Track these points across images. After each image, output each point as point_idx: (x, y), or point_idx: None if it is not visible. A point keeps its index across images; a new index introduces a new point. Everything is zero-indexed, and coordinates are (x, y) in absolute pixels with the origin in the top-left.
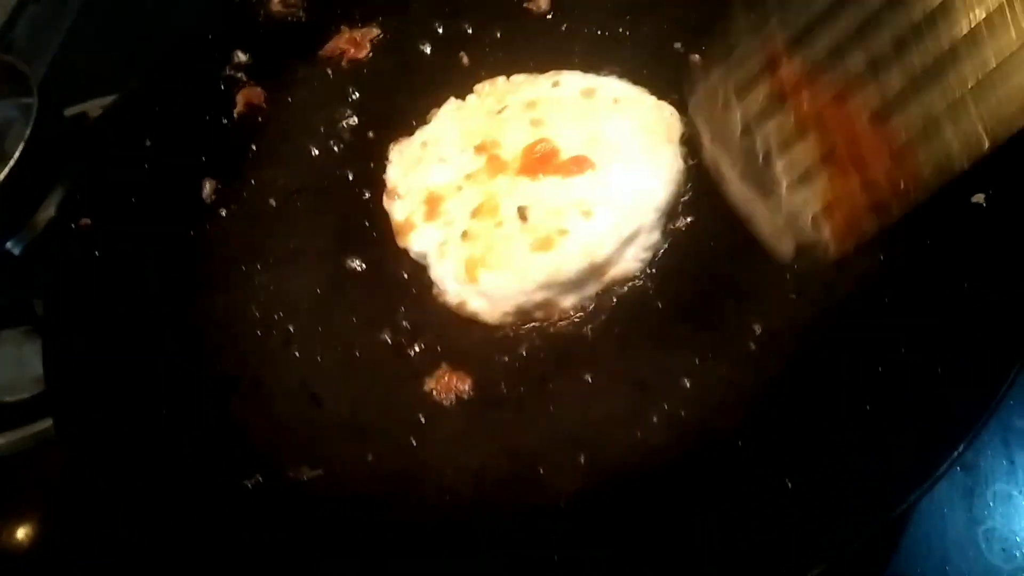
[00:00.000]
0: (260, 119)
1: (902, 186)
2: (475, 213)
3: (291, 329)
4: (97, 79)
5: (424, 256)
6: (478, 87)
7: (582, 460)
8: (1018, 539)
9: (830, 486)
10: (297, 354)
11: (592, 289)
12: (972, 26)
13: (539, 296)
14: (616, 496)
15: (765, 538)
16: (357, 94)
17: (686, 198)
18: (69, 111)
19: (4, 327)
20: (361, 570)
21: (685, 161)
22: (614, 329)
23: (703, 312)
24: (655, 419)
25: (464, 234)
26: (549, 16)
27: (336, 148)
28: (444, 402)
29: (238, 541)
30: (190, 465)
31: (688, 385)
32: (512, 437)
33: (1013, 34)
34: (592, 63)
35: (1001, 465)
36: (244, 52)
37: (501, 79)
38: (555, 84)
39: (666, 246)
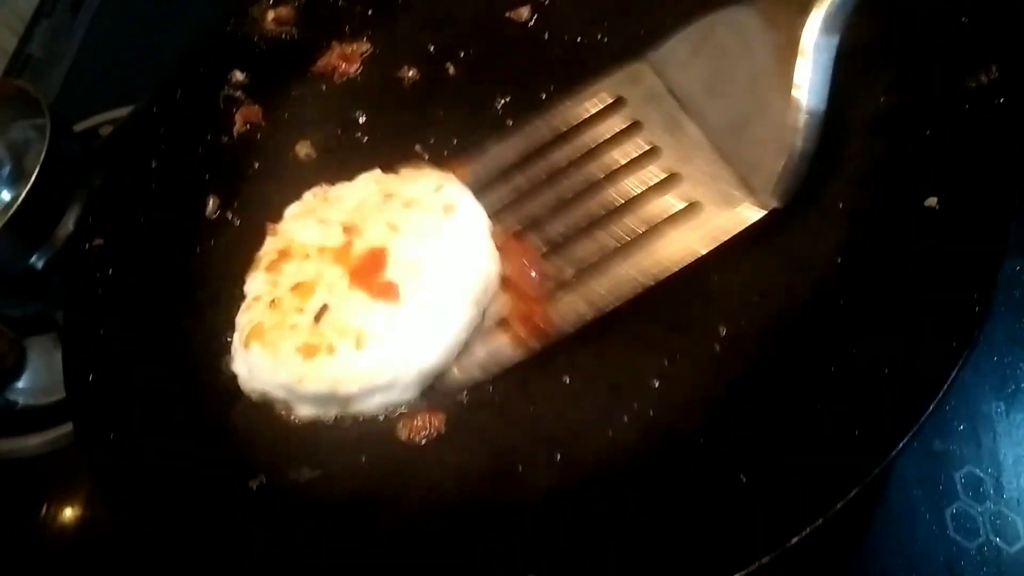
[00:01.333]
0: (259, 136)
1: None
2: (294, 288)
3: None
4: (105, 94)
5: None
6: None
7: (558, 458)
8: (983, 519)
9: (779, 481)
10: None
11: (332, 411)
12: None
13: (280, 393)
14: (587, 492)
15: (718, 529)
16: (349, 109)
17: None
18: (79, 127)
19: (33, 334)
20: (354, 564)
21: None
22: (593, 331)
23: (674, 314)
24: (626, 419)
25: (272, 302)
26: (530, 24)
27: (329, 163)
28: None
29: (243, 539)
30: (199, 467)
31: (657, 386)
32: (495, 437)
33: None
34: (573, 70)
35: (970, 449)
36: (242, 72)
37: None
38: (437, 189)
39: None
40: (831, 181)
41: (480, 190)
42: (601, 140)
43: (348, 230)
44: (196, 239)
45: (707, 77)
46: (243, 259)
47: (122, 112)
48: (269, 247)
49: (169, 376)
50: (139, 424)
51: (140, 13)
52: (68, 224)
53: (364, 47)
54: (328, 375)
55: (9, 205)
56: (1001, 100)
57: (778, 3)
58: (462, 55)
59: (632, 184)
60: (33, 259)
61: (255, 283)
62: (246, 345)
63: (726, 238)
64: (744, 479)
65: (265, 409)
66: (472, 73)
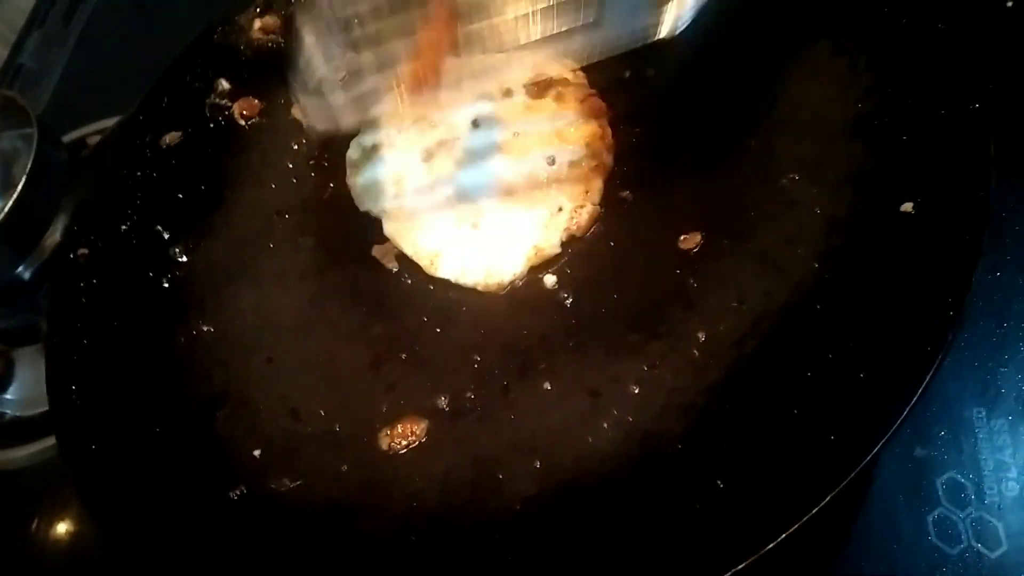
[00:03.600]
0: (245, 142)
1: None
2: None
3: (274, 347)
4: (95, 105)
5: None
6: None
7: (537, 465)
8: (964, 524)
9: (757, 487)
10: (279, 371)
11: None
12: None
13: None
14: (567, 499)
15: (695, 536)
16: None
17: None
18: (68, 137)
19: (21, 345)
20: (335, 574)
21: None
22: (574, 337)
23: (654, 320)
24: (605, 425)
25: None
26: None
27: (313, 167)
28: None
29: (223, 548)
30: (179, 478)
31: (636, 392)
32: (476, 444)
33: None
34: None
35: (951, 455)
36: (228, 80)
37: None
38: None
39: None
40: (809, 186)
41: None
42: None
43: None
44: (180, 248)
45: None
46: (230, 267)
47: (111, 122)
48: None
49: (152, 387)
50: (121, 434)
51: (132, 24)
52: (56, 234)
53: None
54: None
55: None
56: (976, 105)
57: None
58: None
59: None
60: (20, 269)
61: None
62: None
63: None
64: (721, 484)
65: (246, 419)
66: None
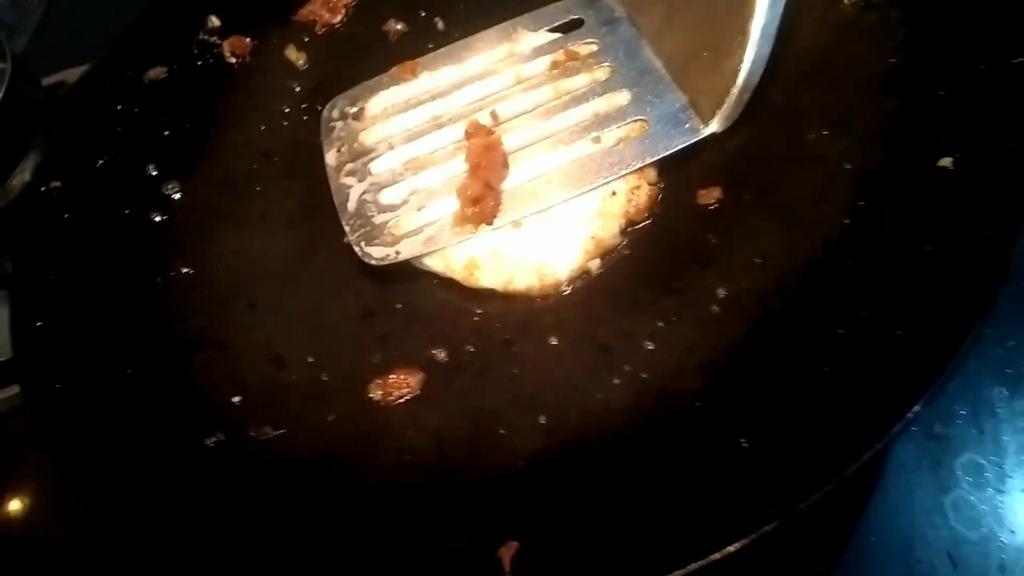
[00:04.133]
0: (234, 81)
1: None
2: None
3: (258, 293)
4: (76, 49)
5: None
6: None
7: (542, 421)
8: (984, 508)
9: (784, 446)
10: (262, 318)
11: None
12: None
13: None
14: (574, 456)
15: (719, 497)
16: (330, 61)
17: None
18: (47, 80)
19: None
20: (320, 529)
21: None
22: (580, 293)
23: (668, 277)
24: (616, 381)
25: None
26: None
27: (304, 110)
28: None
29: (196, 497)
30: (151, 424)
31: (650, 348)
32: (474, 399)
33: None
34: None
35: (970, 434)
36: (218, 17)
37: None
38: None
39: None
40: (836, 142)
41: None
42: (558, 58)
43: None
44: (160, 187)
45: (666, 8)
46: (214, 208)
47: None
48: None
49: (124, 328)
50: (88, 375)
51: None
52: (25, 173)
53: None
54: None
55: None
56: (1019, 59)
57: None
58: (451, 9)
59: (584, 97)
60: None
61: None
62: None
63: (666, 153)
64: (745, 444)
65: (226, 364)
66: (463, 29)
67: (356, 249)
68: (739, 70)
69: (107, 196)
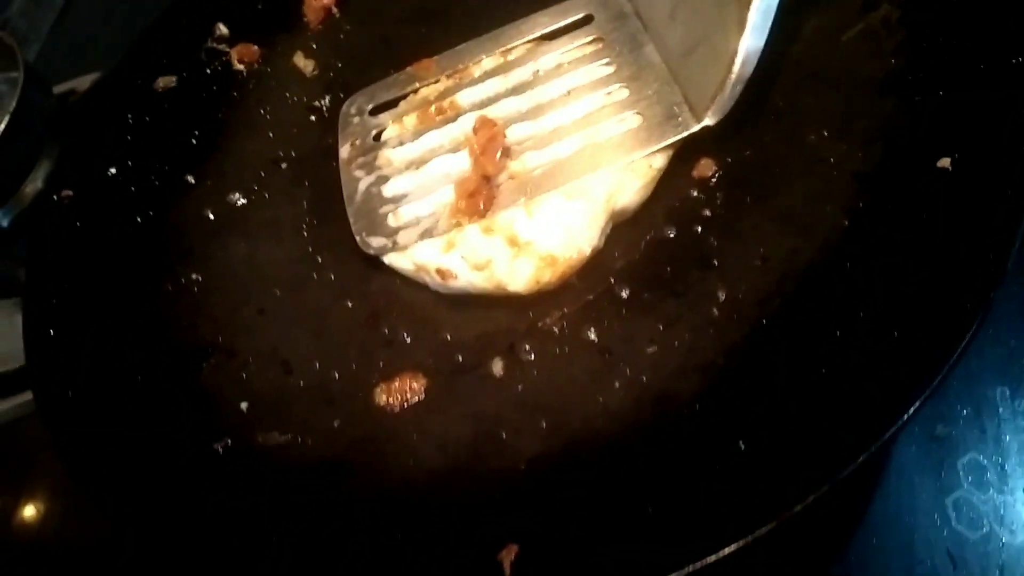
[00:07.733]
0: (243, 89)
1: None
2: None
3: (265, 299)
4: (87, 57)
5: None
6: None
7: (543, 424)
8: (986, 508)
9: (780, 448)
10: (271, 323)
11: None
12: None
13: None
14: (575, 461)
15: (714, 499)
16: (337, 64)
17: None
18: (59, 88)
19: None
20: (325, 531)
21: None
22: (581, 298)
23: (670, 278)
24: (617, 384)
25: None
26: None
27: (312, 117)
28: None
29: (204, 502)
30: (161, 429)
31: (651, 351)
32: (478, 402)
33: None
34: None
35: (973, 435)
36: (226, 25)
37: None
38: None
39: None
40: (837, 143)
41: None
42: (564, 52)
43: None
44: (171, 194)
45: (671, 3)
46: (223, 215)
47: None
48: None
49: (134, 335)
50: (99, 381)
51: None
52: (37, 181)
53: None
54: None
55: None
56: (1019, 59)
57: None
58: (461, 9)
59: (584, 92)
60: None
61: None
62: None
63: (660, 145)
64: (743, 446)
65: (234, 370)
66: (465, 26)
67: (357, 239)
68: (733, 60)
69: (118, 204)
